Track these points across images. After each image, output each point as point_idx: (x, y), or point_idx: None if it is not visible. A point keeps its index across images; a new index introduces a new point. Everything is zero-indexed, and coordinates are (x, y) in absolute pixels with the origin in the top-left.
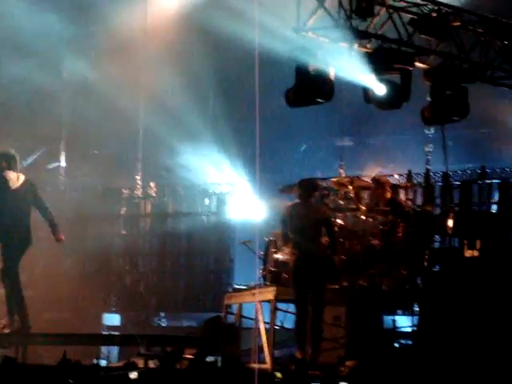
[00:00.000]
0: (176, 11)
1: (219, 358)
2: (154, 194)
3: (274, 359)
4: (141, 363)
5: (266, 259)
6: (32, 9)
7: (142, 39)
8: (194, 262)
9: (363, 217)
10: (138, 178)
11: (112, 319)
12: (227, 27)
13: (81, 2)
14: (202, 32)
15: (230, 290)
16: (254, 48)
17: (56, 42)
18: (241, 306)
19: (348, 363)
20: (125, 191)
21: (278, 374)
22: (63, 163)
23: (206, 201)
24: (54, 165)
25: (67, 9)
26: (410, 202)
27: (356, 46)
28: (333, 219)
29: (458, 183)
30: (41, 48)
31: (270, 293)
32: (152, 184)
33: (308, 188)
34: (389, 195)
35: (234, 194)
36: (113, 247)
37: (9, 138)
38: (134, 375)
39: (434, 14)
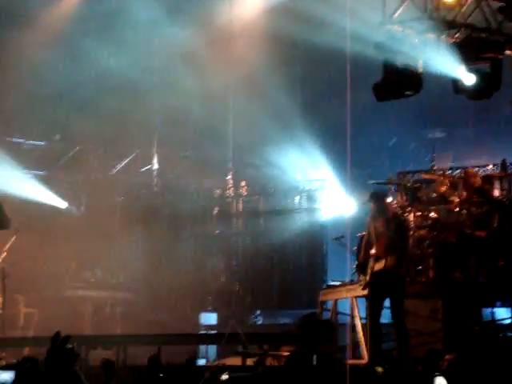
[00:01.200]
0: (254, 16)
1: (315, 355)
2: (245, 193)
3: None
4: (238, 361)
5: (358, 254)
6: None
7: (230, 39)
8: (287, 259)
9: (457, 209)
10: (229, 177)
11: (209, 318)
12: (314, 24)
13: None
14: (281, 34)
15: (324, 286)
16: (342, 44)
17: (143, 54)
18: (336, 301)
19: (447, 357)
20: (216, 191)
21: (379, 369)
22: (156, 165)
23: (297, 198)
24: (148, 167)
25: (158, 9)
26: (503, 192)
27: (444, 36)
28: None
29: None
30: (132, 53)
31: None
32: (243, 183)
33: (380, 202)
34: (477, 185)
35: (325, 191)
36: (207, 247)
37: (103, 142)
38: (225, 376)
39: None
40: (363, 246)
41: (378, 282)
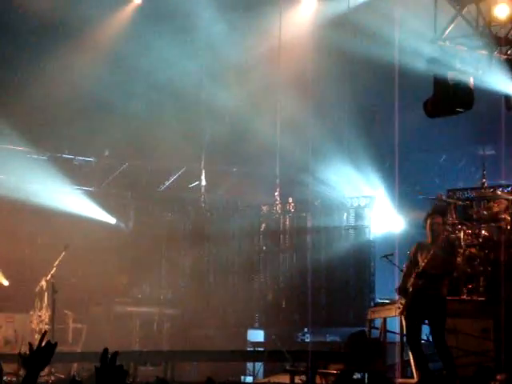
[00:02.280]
0: (308, 28)
1: (366, 374)
2: (293, 210)
3: (421, 374)
4: (287, 379)
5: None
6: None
7: (274, 58)
8: (334, 276)
9: (508, 227)
10: (276, 194)
11: (256, 335)
12: (360, 42)
13: (227, 18)
14: (334, 48)
15: (373, 304)
16: (390, 61)
17: (195, 66)
18: (385, 320)
19: (499, 377)
20: (264, 207)
21: None
22: (204, 181)
23: (345, 215)
24: (195, 183)
25: (210, 23)
26: None
27: (496, 52)
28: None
29: None
30: (182, 68)
31: None
32: (290, 199)
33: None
34: None
35: (373, 208)
36: (254, 263)
37: (151, 158)
38: None
39: None
40: (406, 267)
41: (417, 301)
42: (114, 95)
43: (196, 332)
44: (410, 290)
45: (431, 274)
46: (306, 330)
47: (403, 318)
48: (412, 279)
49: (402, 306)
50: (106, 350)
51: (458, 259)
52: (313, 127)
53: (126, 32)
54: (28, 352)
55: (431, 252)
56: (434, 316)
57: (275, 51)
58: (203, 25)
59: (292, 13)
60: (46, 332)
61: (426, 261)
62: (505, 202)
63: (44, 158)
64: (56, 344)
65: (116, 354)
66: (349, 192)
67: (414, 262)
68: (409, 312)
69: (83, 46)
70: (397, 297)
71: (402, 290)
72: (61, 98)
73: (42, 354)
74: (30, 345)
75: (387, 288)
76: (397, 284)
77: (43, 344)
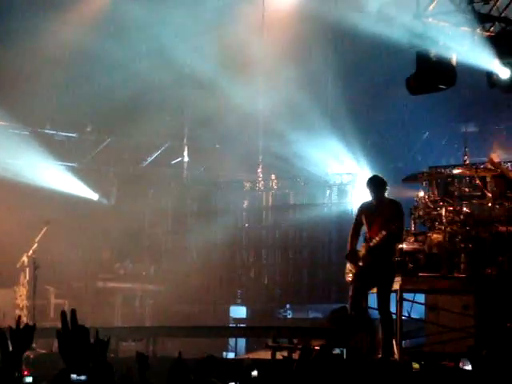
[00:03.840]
0: (294, 3)
1: (345, 350)
2: (275, 187)
3: (402, 350)
4: (268, 355)
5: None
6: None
7: (259, 33)
8: (316, 253)
9: (490, 204)
10: (259, 170)
11: (238, 311)
12: (345, 16)
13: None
14: (319, 22)
15: None
16: (373, 36)
17: (179, 40)
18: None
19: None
20: (246, 184)
21: (415, 365)
22: (186, 158)
23: (327, 192)
24: (178, 160)
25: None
26: None
27: (479, 30)
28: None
29: None
30: (165, 46)
31: (395, 282)
32: (273, 176)
33: (378, 185)
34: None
35: (356, 185)
36: (236, 240)
37: (134, 134)
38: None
39: None
40: (351, 234)
41: (366, 266)
42: (98, 70)
43: (178, 308)
44: (360, 254)
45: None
46: (287, 306)
47: (350, 283)
48: (362, 244)
49: (350, 273)
50: (63, 313)
51: (440, 236)
52: (298, 102)
53: (109, 4)
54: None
55: (379, 218)
56: (382, 282)
57: (260, 24)
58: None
59: None
60: (20, 317)
61: (374, 226)
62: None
63: (25, 132)
64: (34, 326)
65: (74, 311)
66: (331, 169)
67: (359, 223)
68: (358, 277)
69: (66, 19)
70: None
71: (351, 255)
72: (43, 73)
73: (21, 336)
74: (19, 319)
75: None
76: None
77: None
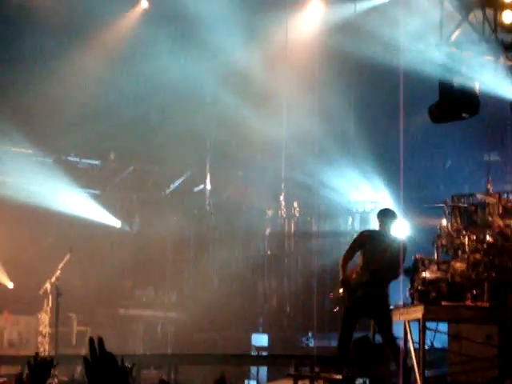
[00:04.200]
0: (315, 33)
1: (368, 380)
2: (298, 214)
3: (424, 380)
4: None
5: (412, 277)
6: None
7: (280, 63)
8: (339, 281)
9: None
10: (281, 198)
11: (260, 339)
12: (366, 47)
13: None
14: (340, 54)
15: None
16: (395, 66)
17: (201, 71)
18: None
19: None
20: (269, 211)
21: None
22: (209, 185)
23: (350, 219)
24: (200, 187)
25: (214, 30)
26: None
27: (502, 58)
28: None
29: None
30: (188, 76)
31: (418, 312)
32: (295, 204)
33: (391, 218)
34: None
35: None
36: (258, 267)
37: (157, 161)
38: None
39: None
40: (347, 258)
41: (360, 297)
42: (120, 98)
43: (200, 336)
44: (354, 283)
45: (381, 274)
46: (309, 334)
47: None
48: (358, 271)
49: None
50: (91, 339)
51: (463, 265)
52: (319, 131)
53: (132, 35)
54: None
55: (386, 252)
56: (378, 314)
57: (281, 55)
58: (209, 29)
59: (298, 17)
60: (37, 354)
61: (379, 259)
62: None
63: (49, 160)
64: (52, 361)
65: (101, 339)
66: (354, 197)
67: (357, 249)
68: (350, 306)
69: (90, 49)
70: (401, 301)
71: (345, 283)
72: (67, 101)
73: (39, 371)
74: (36, 355)
75: (392, 293)
76: (402, 288)
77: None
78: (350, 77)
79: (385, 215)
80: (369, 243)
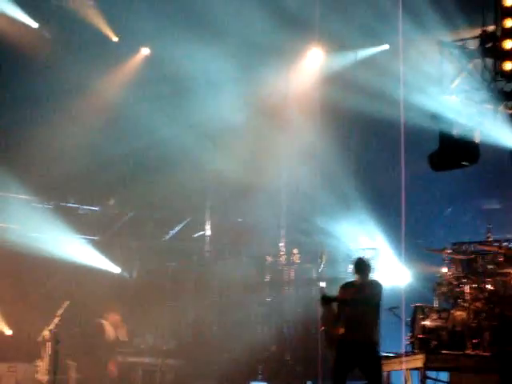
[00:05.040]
0: (313, 85)
1: None
2: (298, 261)
3: None
4: None
5: (413, 325)
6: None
7: (277, 113)
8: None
9: None
10: (281, 244)
11: None
12: (366, 96)
13: (228, 74)
14: (338, 103)
15: None
16: (394, 114)
17: (203, 113)
18: (389, 374)
19: None
20: (268, 258)
21: None
22: (208, 232)
23: (349, 267)
24: (200, 233)
25: (212, 81)
26: None
27: (502, 107)
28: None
29: None
30: (186, 121)
31: (418, 360)
32: (295, 251)
33: (358, 268)
34: None
35: (378, 260)
36: (258, 314)
37: (156, 208)
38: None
39: None
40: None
41: (346, 350)
42: (119, 147)
43: (199, 383)
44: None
45: (357, 317)
46: (309, 383)
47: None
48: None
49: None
50: None
51: (463, 313)
52: (319, 179)
53: (132, 83)
54: None
55: (356, 294)
56: (364, 363)
57: (279, 105)
58: (207, 80)
59: (298, 66)
60: None
61: (350, 299)
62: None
63: (49, 206)
64: None
65: None
66: (354, 244)
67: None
68: (337, 362)
69: (87, 99)
70: (401, 350)
71: (329, 340)
72: (66, 148)
73: None
74: None
75: (392, 341)
76: (403, 336)
77: None
78: (349, 126)
79: (356, 267)
80: (346, 292)
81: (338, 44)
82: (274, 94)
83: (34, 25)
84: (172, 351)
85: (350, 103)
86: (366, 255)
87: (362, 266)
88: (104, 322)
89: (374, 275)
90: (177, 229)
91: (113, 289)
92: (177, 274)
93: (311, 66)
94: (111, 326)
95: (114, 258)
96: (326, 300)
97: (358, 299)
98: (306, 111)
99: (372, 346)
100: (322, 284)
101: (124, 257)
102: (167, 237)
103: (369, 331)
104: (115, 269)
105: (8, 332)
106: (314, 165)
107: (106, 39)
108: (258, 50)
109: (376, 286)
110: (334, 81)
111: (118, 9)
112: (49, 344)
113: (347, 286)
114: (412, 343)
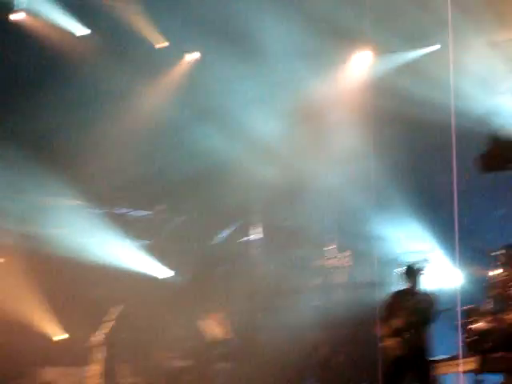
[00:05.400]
0: (366, 77)
1: None
2: (348, 264)
3: None
4: None
5: (466, 328)
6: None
7: (332, 106)
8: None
9: None
10: (331, 247)
11: None
12: (416, 98)
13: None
14: (392, 96)
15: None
16: (447, 113)
17: (254, 116)
18: (442, 377)
19: None
20: (318, 261)
21: None
22: (258, 235)
23: (399, 270)
24: (250, 237)
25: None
26: None
27: None
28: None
29: None
30: (240, 120)
31: (472, 363)
32: (346, 253)
33: (408, 275)
34: None
35: (429, 262)
36: (308, 318)
37: (207, 211)
38: None
39: None
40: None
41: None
42: (169, 153)
43: None
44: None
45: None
46: None
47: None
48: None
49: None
50: None
51: None
52: (370, 179)
53: (180, 90)
54: None
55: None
56: (417, 368)
57: (326, 108)
58: (265, 70)
59: (345, 70)
60: None
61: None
62: None
63: (101, 212)
64: None
65: None
66: (406, 246)
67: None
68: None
69: (136, 105)
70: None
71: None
72: (117, 151)
73: None
74: None
75: (444, 344)
76: (456, 338)
77: None
78: (397, 128)
79: (407, 273)
80: (396, 304)
81: (386, 46)
82: (321, 97)
83: (85, 31)
84: (223, 355)
85: (399, 106)
86: (416, 259)
87: (412, 272)
88: (205, 322)
89: (424, 279)
90: (227, 232)
91: (165, 293)
92: (227, 278)
93: (359, 68)
94: (212, 326)
95: (165, 262)
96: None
97: (410, 308)
98: (353, 114)
99: (424, 350)
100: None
101: (176, 261)
102: (217, 240)
103: (421, 335)
104: (167, 273)
105: (61, 336)
106: (362, 168)
107: (154, 45)
108: (304, 54)
109: (430, 301)
110: (382, 83)
111: (165, 14)
112: (102, 348)
113: (400, 294)
114: (465, 346)
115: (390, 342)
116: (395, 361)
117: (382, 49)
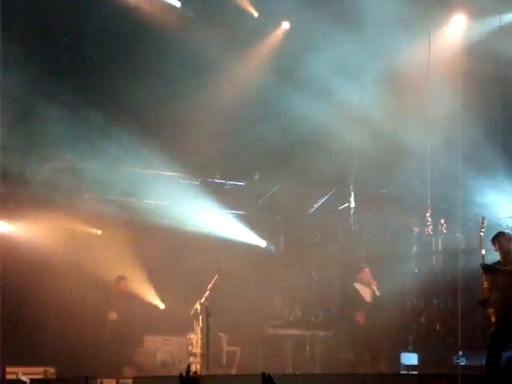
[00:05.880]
0: (460, 41)
1: None
2: (445, 231)
3: None
4: None
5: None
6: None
7: (426, 71)
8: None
9: None
10: (427, 215)
11: (410, 358)
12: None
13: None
14: (490, 61)
15: None
16: None
17: (345, 81)
18: None
19: None
20: (415, 229)
21: None
22: (353, 204)
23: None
24: (345, 205)
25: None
26: None
27: None
28: None
29: None
30: (331, 87)
31: None
32: (442, 220)
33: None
34: None
35: None
36: (406, 286)
37: (300, 181)
38: None
39: None
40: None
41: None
42: (264, 115)
43: (347, 355)
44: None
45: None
46: (460, 353)
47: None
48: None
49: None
50: (263, 375)
51: None
52: (466, 143)
53: (272, 59)
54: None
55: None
56: None
57: (420, 75)
58: (360, 37)
59: (442, 32)
60: (189, 366)
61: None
62: None
63: (196, 183)
64: (198, 379)
65: (270, 377)
66: (504, 212)
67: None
68: (498, 326)
69: (230, 76)
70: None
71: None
72: (211, 122)
73: None
74: (188, 368)
75: None
76: None
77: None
78: (493, 93)
79: (498, 239)
80: (491, 275)
81: (481, 9)
82: (416, 64)
83: (177, 3)
84: (320, 323)
85: (494, 70)
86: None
87: (499, 240)
88: (357, 284)
89: None
90: (321, 201)
91: (260, 262)
92: (323, 247)
93: (454, 33)
94: (364, 285)
95: (259, 232)
96: (487, 269)
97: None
98: (448, 80)
99: None
100: (483, 252)
101: (269, 230)
102: (312, 210)
103: None
104: (261, 242)
105: (162, 306)
106: (457, 134)
107: (247, 15)
108: (399, 19)
109: None
110: (478, 48)
111: None
112: (201, 317)
113: (494, 267)
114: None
115: (489, 313)
116: (493, 333)
117: (477, 12)
